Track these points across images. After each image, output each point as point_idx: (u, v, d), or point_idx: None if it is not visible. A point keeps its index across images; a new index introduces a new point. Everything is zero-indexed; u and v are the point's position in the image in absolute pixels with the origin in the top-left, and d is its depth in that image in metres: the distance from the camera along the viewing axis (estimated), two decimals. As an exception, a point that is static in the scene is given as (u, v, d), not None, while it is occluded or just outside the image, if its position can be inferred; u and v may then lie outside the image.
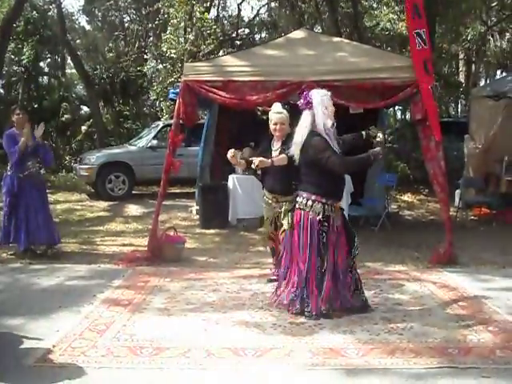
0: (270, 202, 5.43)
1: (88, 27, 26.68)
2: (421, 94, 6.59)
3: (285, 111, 5.34)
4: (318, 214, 4.58)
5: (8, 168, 6.82)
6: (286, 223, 5.21)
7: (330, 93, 4.74)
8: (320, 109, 4.59)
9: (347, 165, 4.66)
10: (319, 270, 4.59)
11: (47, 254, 6.95)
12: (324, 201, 4.60)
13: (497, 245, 7.61)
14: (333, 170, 4.54)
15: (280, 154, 5.19)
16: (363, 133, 5.00)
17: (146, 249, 6.86)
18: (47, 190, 7.51)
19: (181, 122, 7.06)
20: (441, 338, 4.17)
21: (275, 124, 5.30)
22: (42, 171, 7.03)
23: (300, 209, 4.68)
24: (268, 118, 5.51)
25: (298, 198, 4.72)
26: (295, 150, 4.73)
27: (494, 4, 19.41)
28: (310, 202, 4.61)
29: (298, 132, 4.70)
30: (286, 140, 5.20)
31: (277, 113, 5.33)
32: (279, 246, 5.37)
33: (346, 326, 4.45)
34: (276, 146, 5.38)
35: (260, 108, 5.71)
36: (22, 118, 6.76)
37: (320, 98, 4.62)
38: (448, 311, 4.85)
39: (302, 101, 4.69)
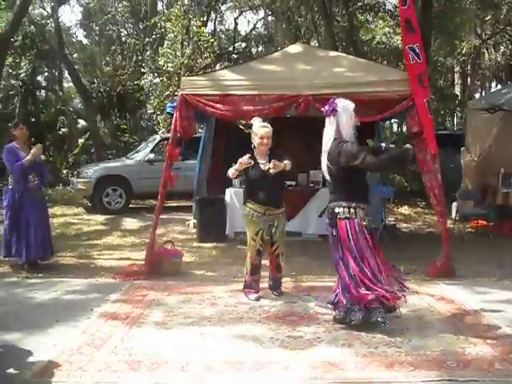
0: (259, 214, 5.44)
1: (85, 41, 26.86)
2: (416, 108, 6.63)
3: (269, 125, 5.50)
4: (363, 219, 4.65)
5: (9, 182, 6.84)
6: (280, 236, 5.49)
7: (354, 105, 4.77)
8: (344, 116, 4.66)
9: (383, 162, 4.64)
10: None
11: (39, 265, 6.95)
12: (362, 206, 4.67)
13: (494, 257, 7.62)
14: (370, 169, 4.71)
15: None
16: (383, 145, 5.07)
17: (143, 263, 6.84)
18: (46, 204, 7.51)
19: (178, 135, 7.08)
20: (439, 351, 4.16)
21: (262, 138, 5.44)
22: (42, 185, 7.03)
23: (345, 218, 4.63)
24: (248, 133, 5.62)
25: (337, 209, 4.66)
26: (323, 159, 4.74)
27: (488, 18, 19.61)
28: (352, 210, 4.63)
29: (324, 141, 4.73)
30: (272, 153, 5.46)
31: (264, 127, 5.49)
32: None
33: (345, 339, 4.44)
34: (262, 159, 5.48)
35: (243, 122, 5.79)
36: (25, 133, 6.85)
37: (345, 106, 4.68)
38: (446, 324, 4.84)
39: (327, 107, 4.72)
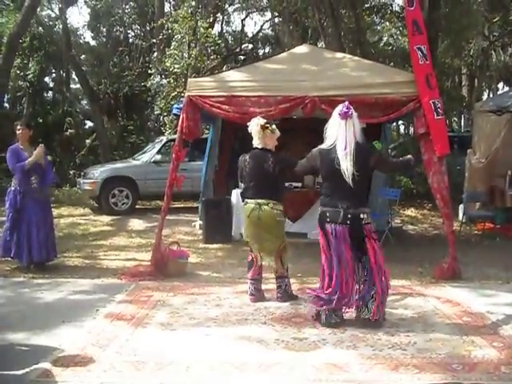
0: None
1: (93, 43, 26.88)
2: (422, 109, 6.61)
3: None
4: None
5: (12, 183, 6.84)
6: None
7: None
8: (357, 120, 4.72)
9: (403, 162, 5.18)
10: None
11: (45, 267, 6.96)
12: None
13: (501, 259, 7.58)
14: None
15: None
16: None
17: (149, 263, 6.86)
18: (51, 205, 7.50)
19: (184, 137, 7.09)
20: (445, 354, 4.14)
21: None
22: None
23: (369, 223, 4.81)
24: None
25: (362, 215, 4.72)
26: (347, 160, 4.57)
27: (496, 19, 19.53)
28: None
29: (342, 141, 4.62)
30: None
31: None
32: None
33: (350, 341, 4.43)
34: None
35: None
36: (25, 133, 6.83)
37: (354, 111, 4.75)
38: (452, 326, 4.82)
39: (344, 110, 4.67)
